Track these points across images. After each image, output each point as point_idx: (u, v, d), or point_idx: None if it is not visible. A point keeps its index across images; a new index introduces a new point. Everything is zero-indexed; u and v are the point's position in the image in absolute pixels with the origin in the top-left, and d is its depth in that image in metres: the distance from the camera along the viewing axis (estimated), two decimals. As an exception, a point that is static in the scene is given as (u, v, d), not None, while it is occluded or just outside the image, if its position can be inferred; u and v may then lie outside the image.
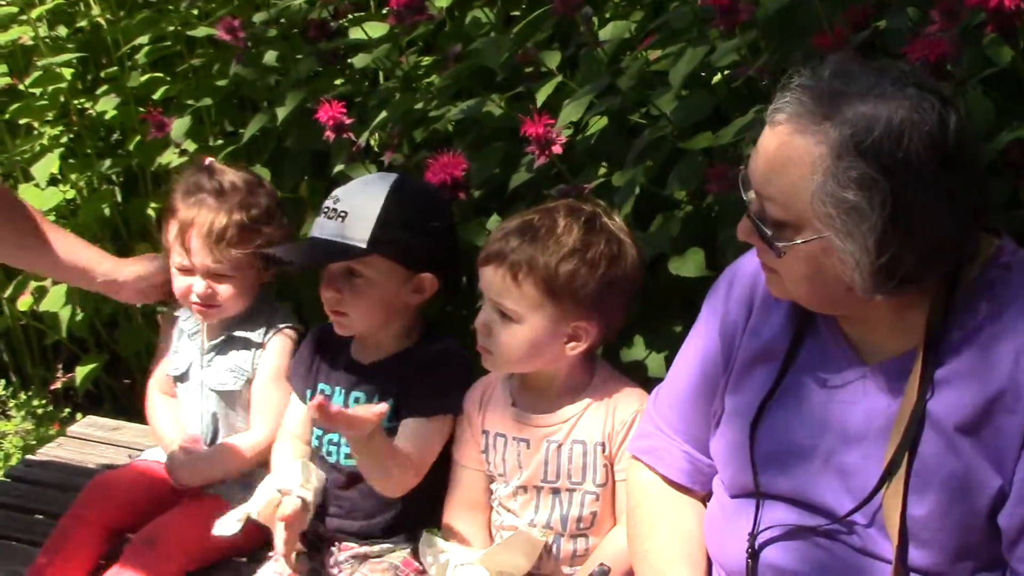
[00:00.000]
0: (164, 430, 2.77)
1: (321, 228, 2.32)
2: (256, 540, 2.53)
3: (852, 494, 1.78)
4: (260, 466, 2.58)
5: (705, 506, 2.05)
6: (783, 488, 1.86)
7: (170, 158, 3.27)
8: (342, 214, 2.29)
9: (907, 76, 1.66)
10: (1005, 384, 1.68)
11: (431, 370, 2.36)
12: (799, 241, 1.68)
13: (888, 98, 1.62)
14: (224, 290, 2.59)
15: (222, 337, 2.67)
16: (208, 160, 2.69)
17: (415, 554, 2.39)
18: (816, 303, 1.79)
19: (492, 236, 2.21)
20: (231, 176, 2.62)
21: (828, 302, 1.77)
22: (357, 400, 2.41)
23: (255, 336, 2.65)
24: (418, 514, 2.40)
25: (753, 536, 1.87)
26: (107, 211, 3.61)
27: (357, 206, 2.29)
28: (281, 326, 2.66)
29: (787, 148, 1.66)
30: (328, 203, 2.33)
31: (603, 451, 2.23)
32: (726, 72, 2.44)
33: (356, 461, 2.31)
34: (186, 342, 2.75)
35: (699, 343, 2.03)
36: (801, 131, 1.65)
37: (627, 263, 2.19)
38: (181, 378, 2.75)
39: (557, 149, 2.35)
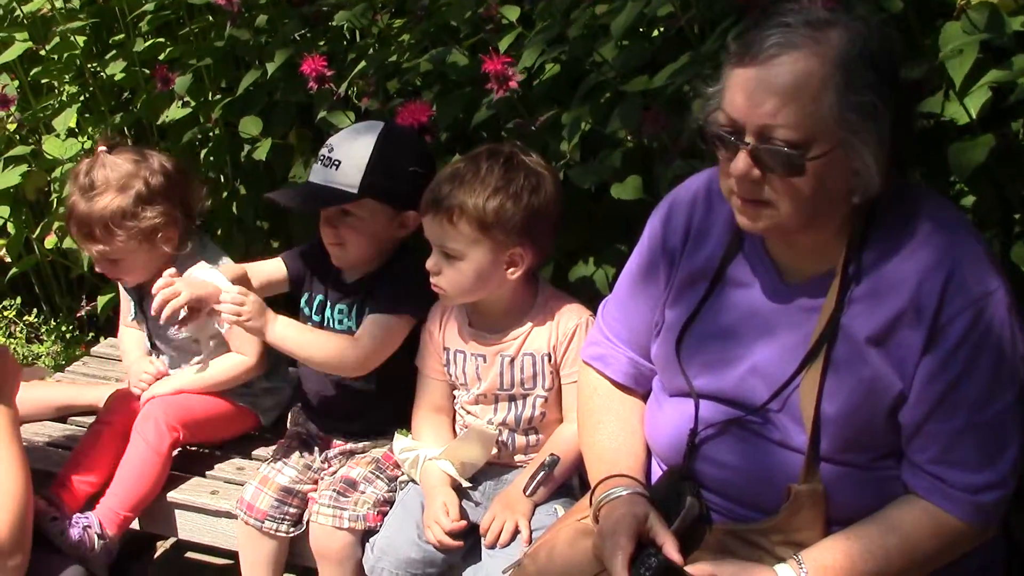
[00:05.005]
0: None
1: (317, 174, 2.27)
2: (244, 428, 2.66)
3: (770, 388, 1.77)
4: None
5: (645, 403, 2.02)
6: (712, 388, 1.84)
7: (174, 112, 3.21)
8: (336, 162, 2.24)
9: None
10: (907, 304, 1.67)
11: (395, 280, 2.34)
12: (818, 154, 1.60)
13: (865, 21, 1.65)
14: (120, 269, 2.54)
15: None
16: (100, 149, 2.51)
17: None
18: (799, 222, 1.68)
19: (428, 188, 2.15)
20: (106, 170, 2.45)
21: (809, 219, 1.68)
22: (341, 311, 2.39)
23: None
24: (393, 418, 2.38)
25: (694, 432, 1.85)
26: (119, 160, 3.47)
27: (349, 155, 2.24)
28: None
29: (793, 74, 1.60)
30: (323, 151, 2.28)
31: (550, 361, 2.21)
32: (661, 26, 2.41)
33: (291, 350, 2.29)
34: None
35: (641, 261, 1.98)
36: (802, 56, 1.60)
37: (547, 192, 2.14)
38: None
39: (513, 84, 2.28)
